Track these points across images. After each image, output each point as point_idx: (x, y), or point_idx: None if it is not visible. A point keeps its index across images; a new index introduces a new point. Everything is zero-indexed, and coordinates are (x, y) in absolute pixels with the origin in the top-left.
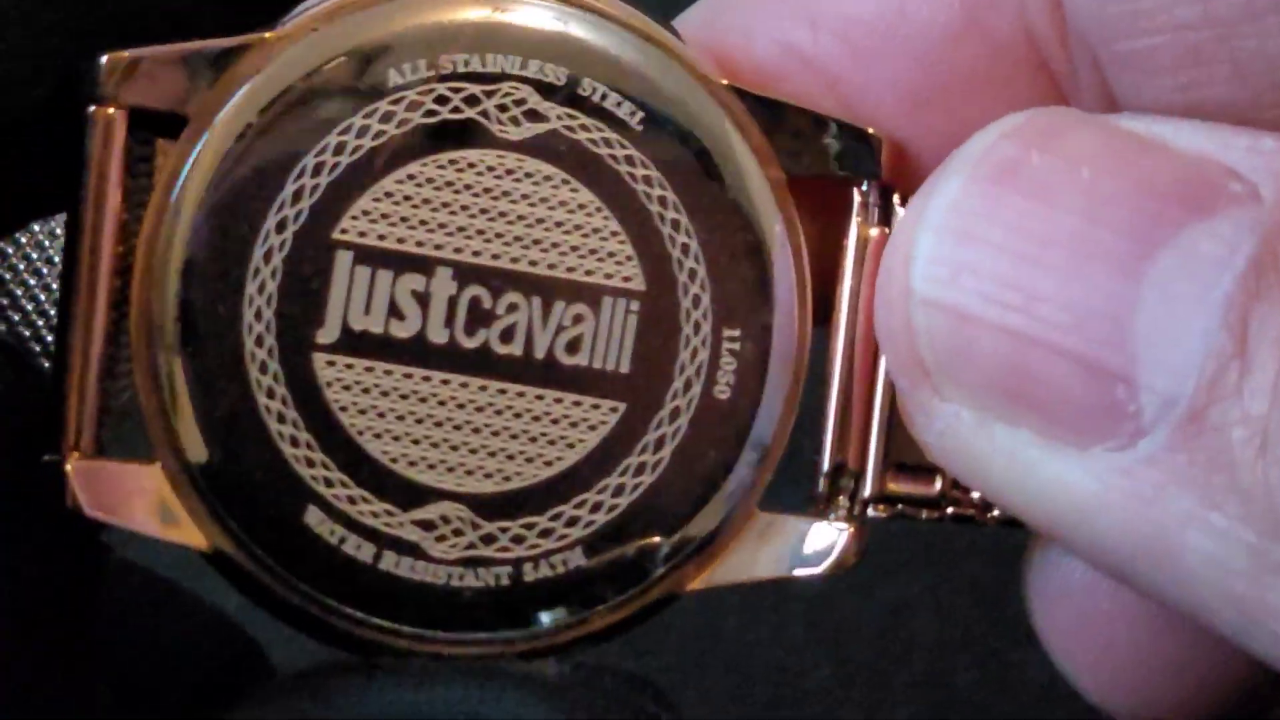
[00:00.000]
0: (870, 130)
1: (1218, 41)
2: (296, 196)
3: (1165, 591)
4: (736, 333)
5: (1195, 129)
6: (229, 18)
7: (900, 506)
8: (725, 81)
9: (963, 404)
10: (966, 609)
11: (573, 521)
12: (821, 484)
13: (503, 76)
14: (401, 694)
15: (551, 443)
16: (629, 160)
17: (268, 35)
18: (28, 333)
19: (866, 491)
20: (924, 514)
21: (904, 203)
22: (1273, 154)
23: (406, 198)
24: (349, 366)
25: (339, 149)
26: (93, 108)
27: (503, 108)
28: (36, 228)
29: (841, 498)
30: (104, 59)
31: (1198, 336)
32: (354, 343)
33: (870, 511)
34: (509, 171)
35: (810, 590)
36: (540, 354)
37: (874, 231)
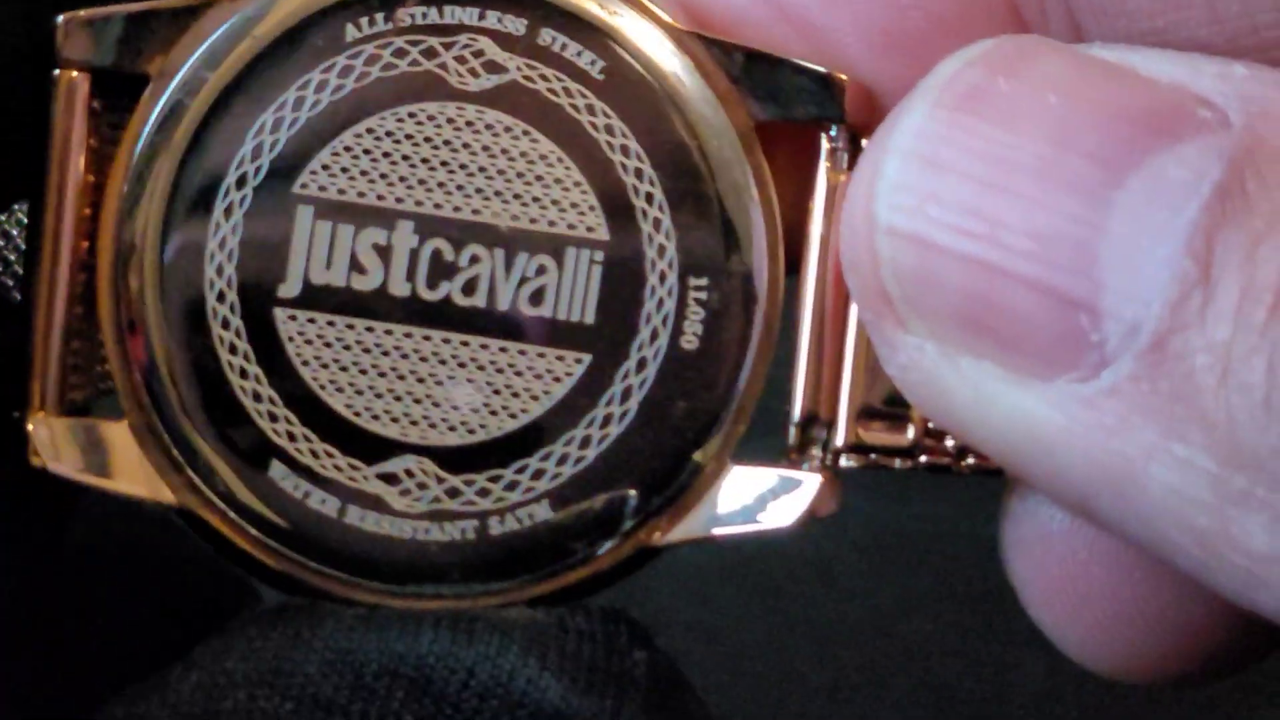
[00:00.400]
0: (838, 74)
1: None
2: (256, 152)
3: (1128, 526)
4: (704, 282)
5: (1165, 57)
6: None
7: (873, 456)
8: (688, 29)
9: (927, 335)
10: (963, 613)
11: (539, 474)
12: (793, 434)
13: (461, 28)
14: (369, 639)
15: (516, 395)
16: (590, 110)
17: None
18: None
19: (839, 441)
20: (897, 463)
21: None
22: (1242, 80)
23: (366, 151)
24: (311, 321)
25: (298, 104)
26: (56, 71)
27: (461, 59)
28: None
29: (814, 448)
30: (60, 20)
31: (1162, 263)
32: (316, 297)
33: (843, 461)
34: (469, 123)
35: (806, 593)
36: (504, 306)
37: (842, 177)
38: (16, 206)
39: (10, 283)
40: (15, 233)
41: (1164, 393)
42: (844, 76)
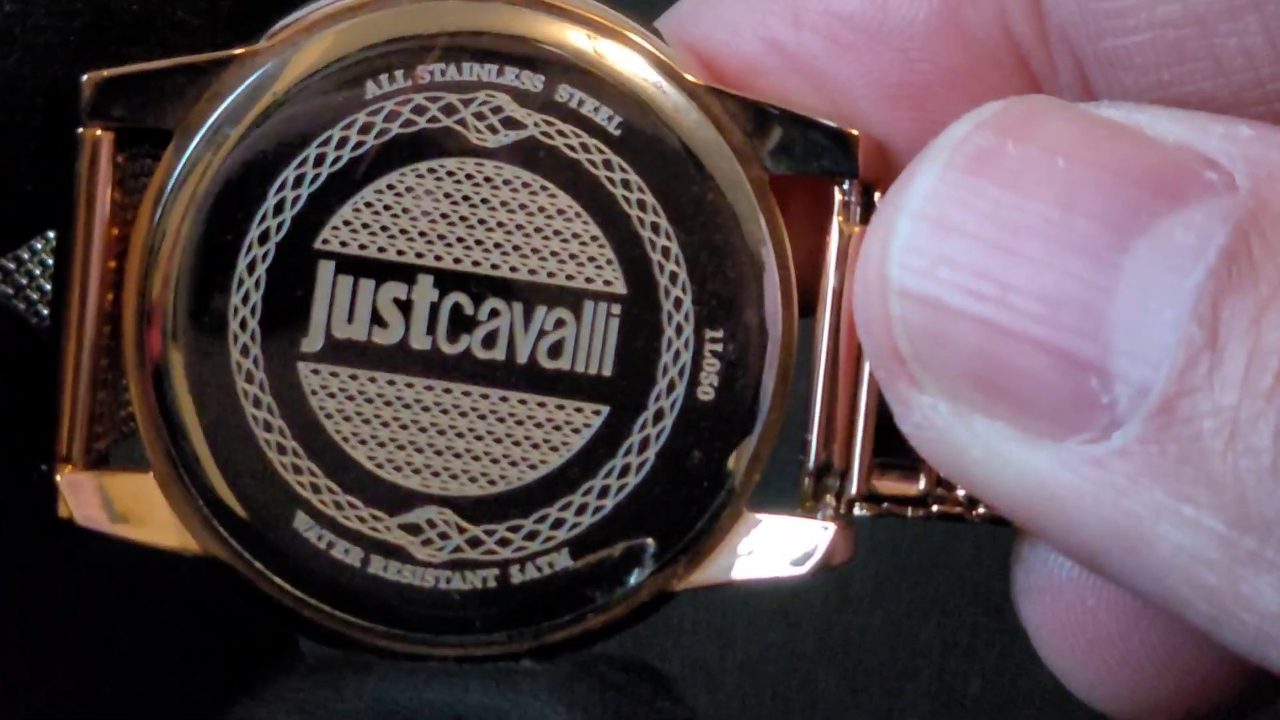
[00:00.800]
0: (851, 129)
1: (1199, 38)
2: (278, 208)
3: (1139, 583)
4: (720, 334)
5: (1172, 116)
6: (224, 32)
7: (886, 505)
8: (705, 83)
9: (939, 395)
10: (974, 617)
11: (558, 524)
12: (807, 483)
13: (479, 85)
14: (406, 689)
15: (535, 446)
16: (607, 165)
17: (247, 50)
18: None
19: (852, 490)
20: (910, 512)
21: None
22: (1248, 141)
23: (387, 207)
24: (334, 374)
25: (319, 160)
26: (81, 128)
27: (480, 115)
28: None
29: (828, 496)
30: (84, 79)
31: (1169, 327)
32: (338, 351)
33: (857, 510)
34: (488, 179)
35: (819, 598)
36: (523, 359)
37: (856, 229)
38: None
39: (24, 306)
40: (27, 256)
41: (1172, 455)
42: (856, 131)
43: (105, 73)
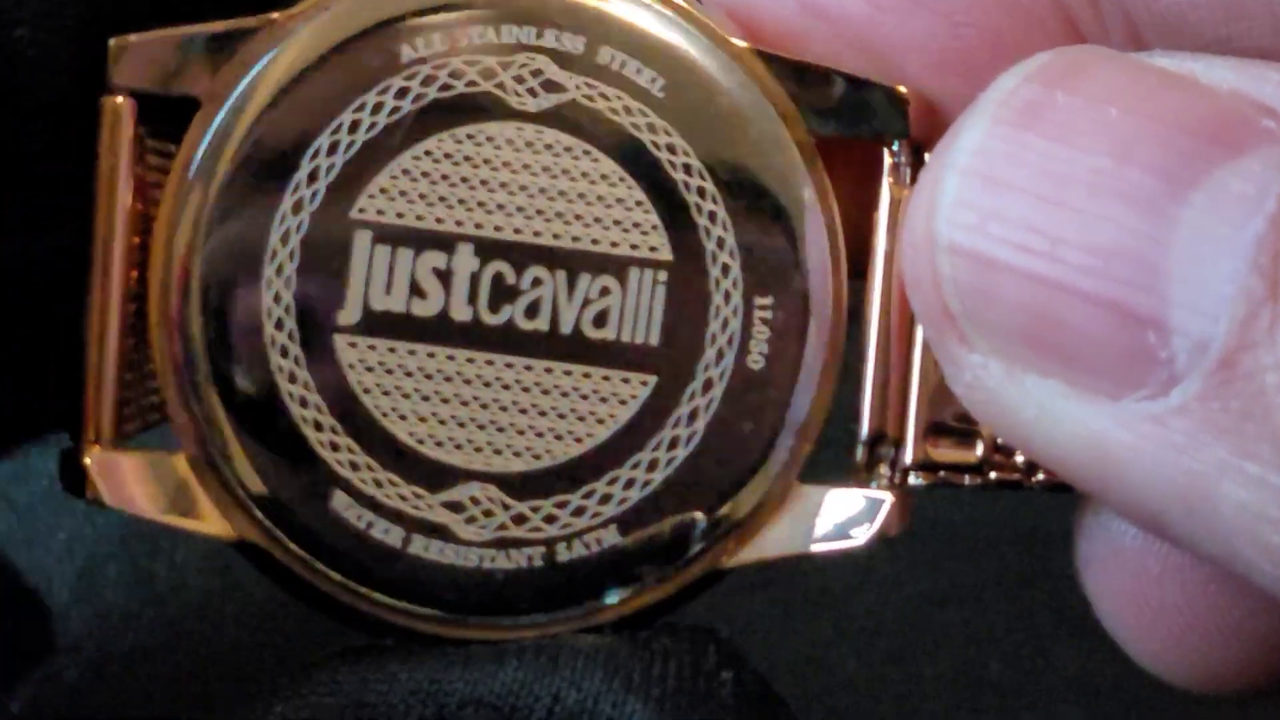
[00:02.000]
0: (899, 88)
1: None
2: (312, 177)
3: (1201, 544)
4: (769, 301)
5: (1227, 64)
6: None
7: (942, 473)
8: (748, 44)
9: (990, 354)
10: (995, 601)
11: (606, 499)
12: (861, 453)
13: (519, 48)
14: (450, 672)
15: (581, 419)
16: (651, 128)
17: (278, 16)
18: None
19: (908, 459)
20: (967, 479)
21: None
22: None
23: (425, 174)
24: (371, 348)
25: (354, 127)
26: (104, 97)
27: (519, 79)
28: None
29: (882, 466)
30: (111, 43)
31: (1228, 279)
32: (376, 323)
33: (912, 479)
34: (528, 144)
35: (838, 583)
36: (567, 329)
37: (905, 193)
38: None
39: None
40: None
41: (1234, 411)
42: (905, 90)
43: (132, 37)
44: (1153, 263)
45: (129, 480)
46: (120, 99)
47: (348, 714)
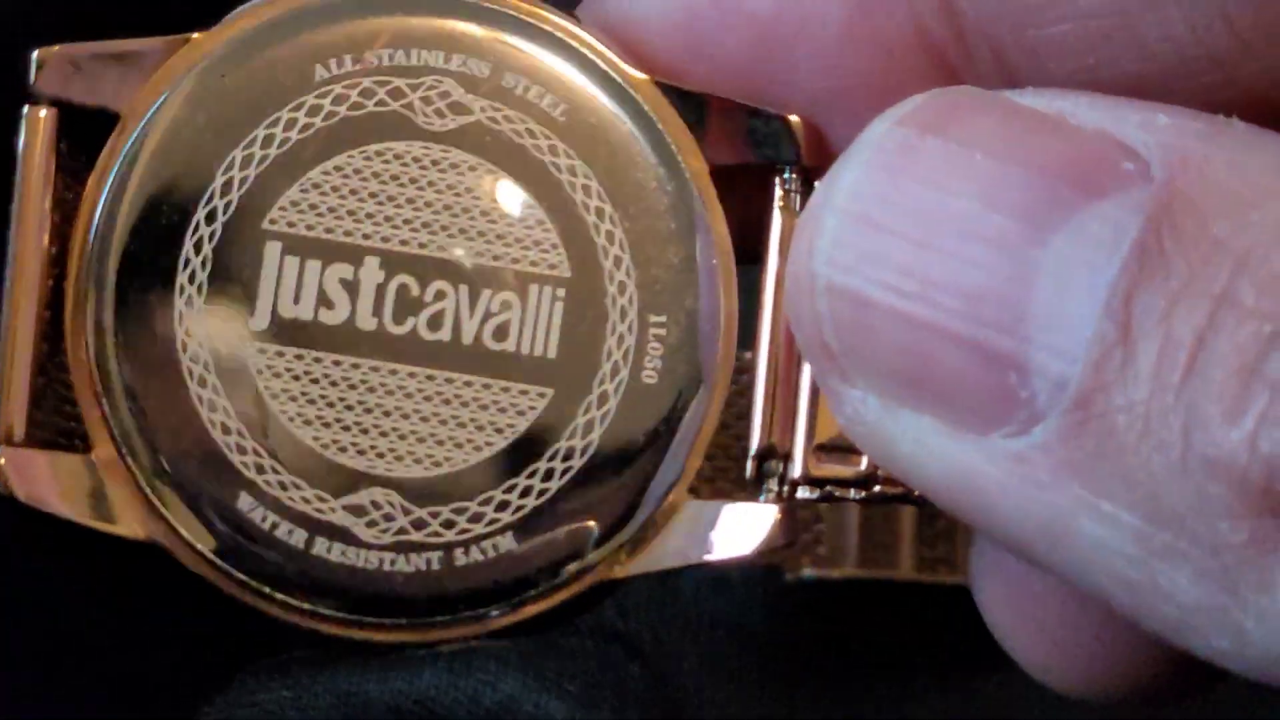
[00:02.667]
0: (791, 117)
1: (1123, 27)
2: (226, 188)
3: (1065, 573)
4: (663, 319)
5: (1092, 103)
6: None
7: (828, 487)
8: (646, 75)
9: (868, 389)
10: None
11: (503, 506)
12: (750, 467)
13: (427, 70)
14: (366, 679)
15: (480, 428)
16: (553, 150)
17: (197, 35)
18: None
19: (795, 473)
20: (852, 494)
21: None
22: (1164, 129)
23: (334, 188)
24: (279, 354)
25: (267, 141)
26: (26, 106)
27: (427, 100)
28: None
29: (770, 480)
30: (34, 54)
31: (1084, 322)
32: (284, 331)
33: (799, 493)
34: (434, 162)
35: (831, 587)
36: (468, 340)
37: (795, 219)
38: None
39: None
40: None
41: (1089, 450)
42: (796, 119)
43: (55, 48)
44: (1015, 305)
45: (42, 478)
46: (42, 110)
47: None
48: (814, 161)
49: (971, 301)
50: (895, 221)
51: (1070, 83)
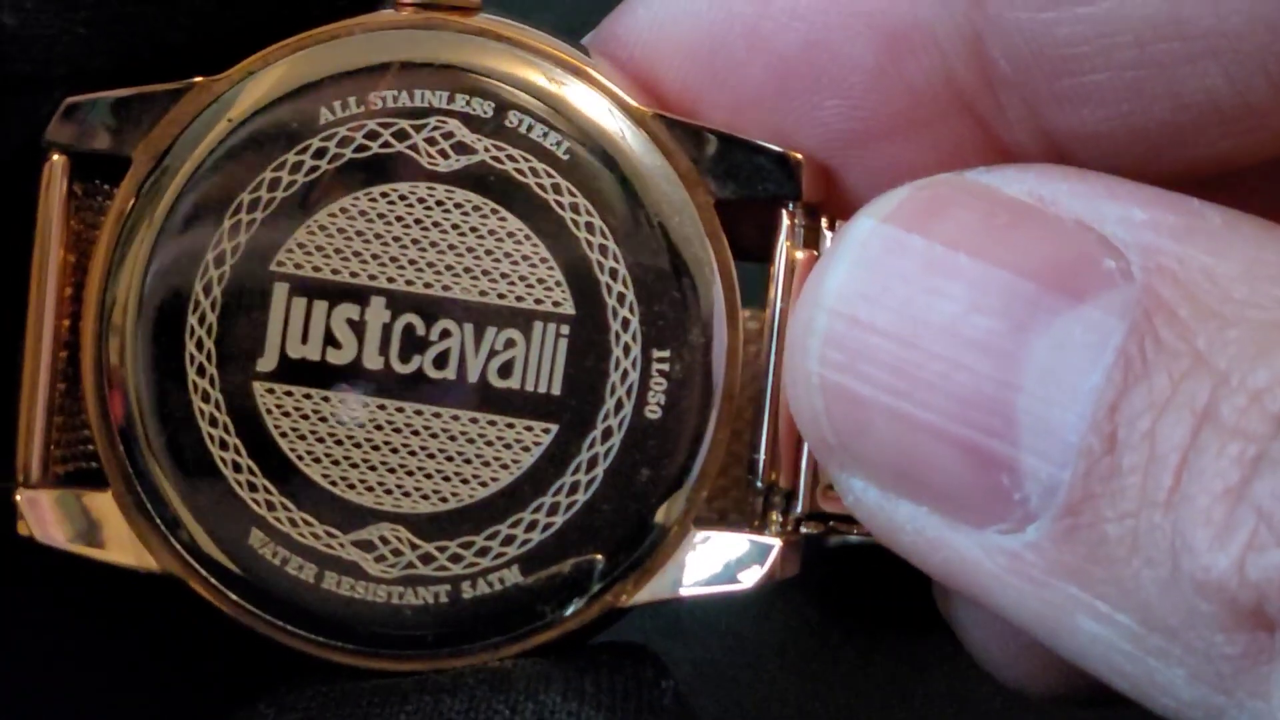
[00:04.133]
0: (794, 154)
1: (1158, 80)
2: (234, 231)
3: (1066, 656)
4: (666, 354)
5: (1074, 194)
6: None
7: (831, 523)
8: (651, 110)
9: (867, 481)
10: None
11: (509, 540)
12: (754, 501)
13: (431, 110)
14: (409, 708)
15: (486, 464)
16: (556, 189)
17: (204, 80)
18: None
19: (799, 509)
20: (855, 531)
21: (831, 225)
22: (1141, 227)
23: (340, 230)
24: (288, 394)
25: (274, 185)
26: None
27: (431, 141)
28: None
29: (774, 513)
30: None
31: (1072, 429)
32: (292, 371)
33: (803, 528)
34: (439, 203)
35: (829, 601)
36: (474, 378)
37: (800, 254)
38: None
39: None
40: None
41: (1081, 555)
42: (800, 156)
43: (67, 99)
44: (1003, 409)
45: (58, 517)
46: (56, 156)
47: None
48: (817, 198)
49: (961, 404)
50: (883, 321)
51: (1105, 128)
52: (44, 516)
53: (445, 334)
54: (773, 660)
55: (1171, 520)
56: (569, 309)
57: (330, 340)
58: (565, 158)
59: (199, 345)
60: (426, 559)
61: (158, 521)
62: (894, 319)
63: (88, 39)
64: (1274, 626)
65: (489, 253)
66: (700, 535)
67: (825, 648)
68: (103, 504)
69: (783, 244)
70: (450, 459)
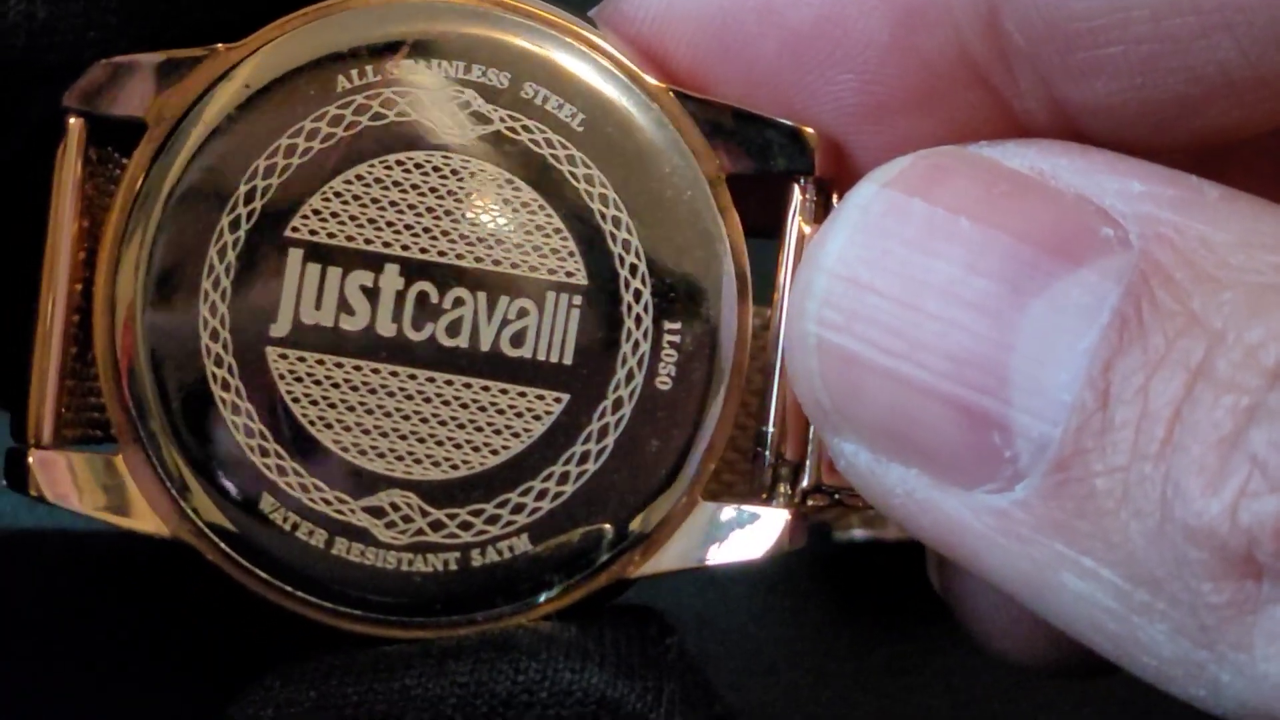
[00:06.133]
0: (806, 128)
1: (1172, 53)
2: (249, 196)
3: (1052, 620)
4: (677, 325)
5: (1073, 165)
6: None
7: (838, 497)
8: (664, 84)
9: (859, 443)
10: None
11: (519, 509)
12: (763, 473)
13: (447, 80)
14: (414, 673)
15: (497, 432)
16: (570, 160)
17: (221, 47)
18: None
19: (805, 482)
20: (861, 504)
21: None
22: (1139, 199)
23: (355, 197)
24: (301, 359)
25: (290, 151)
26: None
27: (448, 111)
28: None
29: (782, 486)
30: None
31: (1065, 387)
32: (305, 336)
33: (810, 500)
34: (454, 171)
35: (830, 588)
36: (486, 346)
37: (810, 229)
38: None
39: None
40: None
41: (1069, 510)
42: (812, 131)
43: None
44: (998, 368)
45: (69, 478)
46: (73, 120)
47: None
48: (829, 173)
49: (955, 363)
50: (882, 283)
51: (1118, 99)
52: (55, 478)
53: (458, 302)
54: (773, 658)
55: (1163, 470)
56: (582, 279)
57: (344, 306)
58: (580, 130)
59: (212, 310)
60: (437, 526)
61: (168, 485)
62: (892, 280)
63: (118, 27)
64: (1262, 574)
65: (503, 222)
66: (709, 507)
67: (826, 644)
68: (114, 467)
69: (795, 219)
70: (462, 426)
